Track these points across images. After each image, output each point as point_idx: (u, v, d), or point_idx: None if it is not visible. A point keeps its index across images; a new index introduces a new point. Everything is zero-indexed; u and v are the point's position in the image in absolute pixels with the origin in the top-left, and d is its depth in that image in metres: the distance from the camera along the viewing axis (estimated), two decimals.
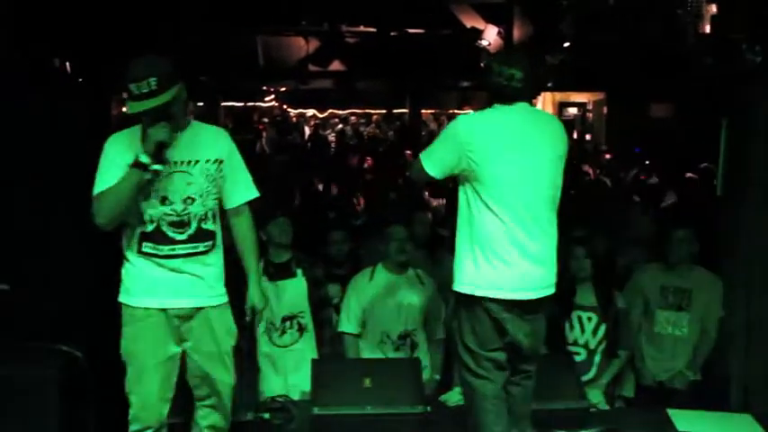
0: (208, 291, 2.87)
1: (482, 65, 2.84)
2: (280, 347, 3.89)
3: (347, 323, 3.94)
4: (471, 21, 8.42)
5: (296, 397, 3.74)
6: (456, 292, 2.88)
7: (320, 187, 8.05)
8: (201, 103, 13.57)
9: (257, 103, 17.55)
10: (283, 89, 16.28)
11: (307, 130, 17.99)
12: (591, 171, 9.72)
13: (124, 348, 2.83)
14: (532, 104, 2.95)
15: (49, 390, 3.04)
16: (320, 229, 4.48)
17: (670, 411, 3.62)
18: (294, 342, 3.90)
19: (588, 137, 15.83)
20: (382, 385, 3.46)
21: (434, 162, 2.89)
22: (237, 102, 16.25)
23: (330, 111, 18.68)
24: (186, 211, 2.77)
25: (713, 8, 6.04)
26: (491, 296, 2.78)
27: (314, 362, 3.63)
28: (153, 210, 2.76)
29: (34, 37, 4.18)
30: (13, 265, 3.57)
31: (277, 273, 3.89)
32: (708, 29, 6.02)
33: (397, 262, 3.94)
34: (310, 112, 18.74)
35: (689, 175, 7.82)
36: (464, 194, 2.86)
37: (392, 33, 9.15)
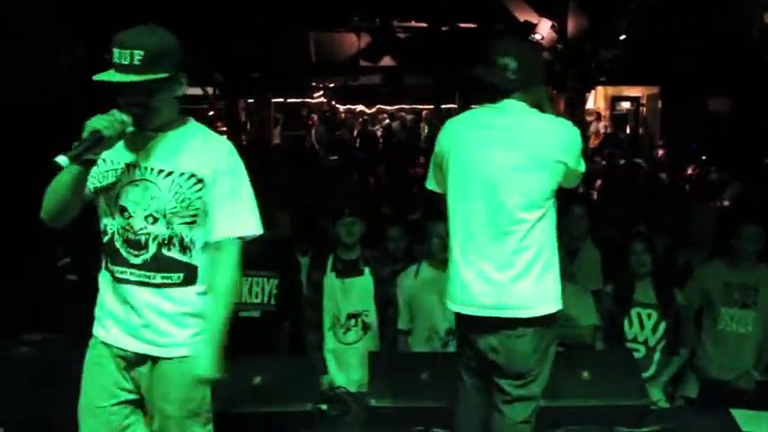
0: (159, 336, 2.26)
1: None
2: (344, 344, 3.94)
3: (399, 320, 3.98)
4: (524, 14, 8.33)
5: (354, 390, 3.78)
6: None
7: (372, 181, 8.11)
8: (252, 100, 13.82)
9: (306, 99, 17.70)
10: (332, 85, 16.40)
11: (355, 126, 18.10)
12: (645, 166, 9.56)
13: None
14: (533, 101, 2.55)
15: None
16: (375, 225, 4.49)
17: (734, 411, 3.55)
18: (358, 340, 3.94)
19: (642, 131, 15.58)
20: (439, 379, 3.47)
21: (431, 177, 2.75)
22: (287, 98, 16.40)
23: (378, 106, 18.75)
24: (145, 231, 2.23)
25: None
26: (451, 308, 2.65)
27: (371, 355, 3.67)
28: (108, 219, 2.28)
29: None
30: (84, 258, 3.66)
31: (345, 270, 3.93)
32: None
33: (440, 259, 3.93)
34: (359, 107, 18.83)
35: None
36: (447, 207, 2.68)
37: (443, 28, 9.12)
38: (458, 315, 2.65)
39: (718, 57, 8.57)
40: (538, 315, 2.51)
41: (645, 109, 15.89)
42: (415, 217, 5.25)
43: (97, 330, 2.33)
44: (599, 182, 7.89)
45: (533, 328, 2.52)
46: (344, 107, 18.81)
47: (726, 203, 6.63)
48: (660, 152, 11.58)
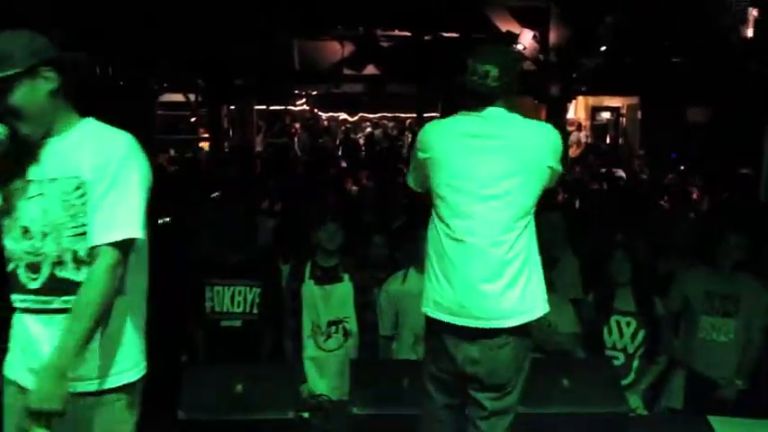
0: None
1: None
2: (325, 352, 3.94)
3: (381, 326, 3.97)
4: (506, 25, 8.40)
5: (336, 398, 3.78)
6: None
7: (354, 189, 8.11)
8: (234, 107, 13.79)
9: (289, 107, 17.69)
10: (315, 93, 16.40)
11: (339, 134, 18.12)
12: (625, 175, 9.66)
13: None
14: (513, 108, 2.57)
15: None
16: (356, 232, 4.50)
17: (711, 419, 3.58)
18: (339, 347, 3.94)
19: (622, 141, 15.74)
20: (420, 387, 3.47)
21: (411, 175, 2.76)
22: (270, 105, 16.38)
23: (361, 114, 18.78)
24: (40, 251, 2.02)
25: (755, 12, 5.98)
26: (432, 315, 2.56)
27: (353, 362, 3.66)
28: (12, 243, 2.07)
29: (87, 46, 4.29)
30: None
31: (324, 277, 3.93)
32: (750, 33, 5.95)
33: None
34: (341, 115, 18.85)
35: (744, 171, 7.71)
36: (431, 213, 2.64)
37: (426, 37, 9.17)
38: (436, 324, 2.56)
39: (696, 68, 8.68)
40: (523, 323, 2.50)
41: (625, 119, 16.05)
42: (397, 225, 5.26)
43: (4, 367, 2.15)
44: (579, 192, 7.97)
45: (514, 338, 2.50)
46: (327, 115, 18.82)
47: (704, 211, 6.71)
48: (636, 161, 11.70)
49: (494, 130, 2.50)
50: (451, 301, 2.50)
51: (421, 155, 2.60)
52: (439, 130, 2.62)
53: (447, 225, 2.51)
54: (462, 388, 2.59)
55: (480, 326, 2.47)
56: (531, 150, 2.50)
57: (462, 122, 2.56)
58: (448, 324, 2.52)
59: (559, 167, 2.57)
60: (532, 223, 2.55)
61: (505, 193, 2.46)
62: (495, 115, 2.52)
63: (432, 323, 2.60)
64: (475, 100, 2.53)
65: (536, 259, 2.56)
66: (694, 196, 7.48)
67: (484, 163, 2.47)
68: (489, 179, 2.46)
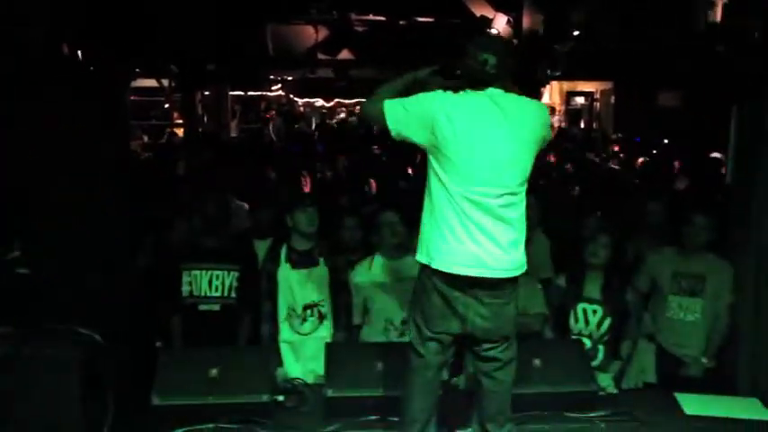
0: None
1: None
2: (301, 335, 3.95)
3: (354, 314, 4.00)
4: (481, 9, 8.40)
5: (311, 381, 3.79)
6: (419, 262, 2.89)
7: (329, 175, 8.10)
8: (208, 92, 13.65)
9: (264, 93, 17.55)
10: (290, 78, 16.28)
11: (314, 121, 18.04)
12: (598, 159, 9.74)
13: None
14: (509, 90, 2.90)
15: (72, 370, 3.09)
16: (331, 215, 4.50)
17: (678, 395, 3.66)
18: (314, 330, 3.96)
19: (595, 125, 15.85)
20: (393, 369, 3.50)
21: (398, 119, 2.85)
22: (246, 91, 16.24)
23: (337, 100, 18.69)
24: None
25: None
26: (443, 270, 2.78)
27: (328, 345, 3.67)
28: None
29: (62, 38, 4.26)
30: (36, 252, 3.62)
31: (300, 261, 3.94)
32: (719, 17, 6.02)
33: (390, 245, 3.94)
34: (317, 101, 18.75)
35: (714, 155, 7.81)
36: (430, 168, 2.86)
37: (401, 22, 9.14)
38: (444, 281, 2.79)
39: (667, 52, 8.75)
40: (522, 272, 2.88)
41: (599, 104, 16.16)
42: (369, 209, 5.26)
43: None
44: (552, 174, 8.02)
45: (515, 293, 2.89)
46: (303, 101, 18.72)
47: (676, 194, 6.79)
48: (615, 147, 11.78)
49: (499, 108, 2.80)
50: (466, 254, 2.77)
51: (428, 115, 2.80)
52: (447, 100, 2.83)
53: (449, 188, 2.77)
54: (466, 345, 2.92)
55: (495, 276, 2.78)
56: (533, 124, 2.86)
57: (470, 99, 2.83)
58: (463, 278, 2.77)
59: (549, 134, 2.99)
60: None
61: (516, 163, 2.81)
62: (498, 95, 2.83)
63: (430, 279, 2.83)
64: (473, 84, 2.83)
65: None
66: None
67: (496, 136, 2.78)
68: (502, 151, 2.78)
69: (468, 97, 2.83)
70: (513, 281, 2.86)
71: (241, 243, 4.27)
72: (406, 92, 2.93)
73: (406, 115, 2.84)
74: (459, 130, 2.77)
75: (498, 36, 3.09)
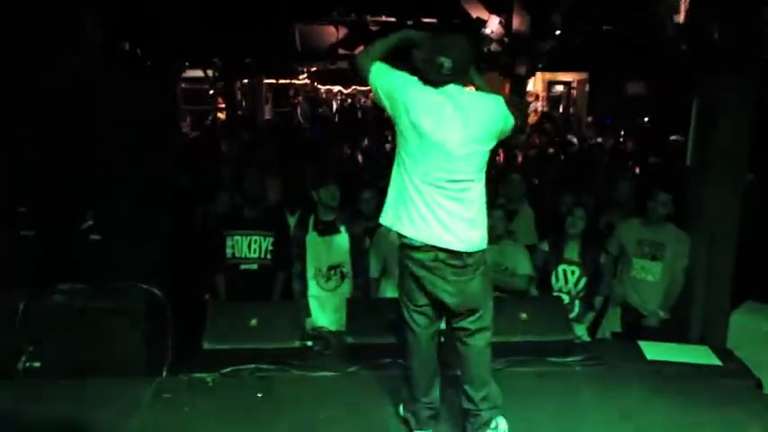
0: None
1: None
2: (326, 291, 3.95)
3: (371, 269, 3.99)
4: (476, 11, 8.24)
5: (334, 329, 3.80)
6: (381, 224, 2.65)
7: (348, 152, 8.04)
8: (246, 81, 13.54)
9: (293, 81, 17.36)
10: (314, 69, 16.09)
11: (334, 104, 17.86)
12: (576, 140, 9.61)
13: None
14: (466, 85, 2.58)
15: (138, 319, 3.14)
16: (352, 189, 4.46)
17: (641, 343, 3.65)
18: (337, 287, 3.95)
19: (572, 110, 15.65)
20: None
21: (377, 81, 2.57)
22: (277, 79, 16.08)
23: (354, 87, 18.46)
24: None
25: (687, 1, 5.88)
26: (407, 240, 2.53)
27: (348, 300, 3.68)
28: None
29: (124, 35, 4.20)
30: (105, 221, 3.62)
31: (325, 229, 3.92)
32: (682, 19, 5.86)
33: None
34: (337, 88, 18.54)
35: (673, 138, 7.68)
36: (397, 139, 2.60)
37: (409, 22, 8.99)
38: (415, 258, 2.54)
39: (635, 49, 8.59)
40: (481, 249, 2.57)
41: (576, 91, 15.93)
42: (382, 184, 5.21)
43: None
44: (533, 152, 7.94)
45: (480, 270, 2.57)
46: (325, 87, 18.50)
47: (640, 172, 6.71)
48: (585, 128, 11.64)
49: (454, 105, 2.50)
50: (425, 228, 2.51)
51: (397, 86, 2.53)
52: (412, 85, 2.54)
53: (419, 169, 2.50)
54: (442, 315, 2.66)
55: (456, 249, 2.49)
56: (485, 120, 2.54)
57: (430, 93, 2.52)
58: (426, 254, 2.51)
59: (508, 125, 2.60)
60: (484, 175, 2.60)
61: (470, 156, 2.51)
62: (456, 91, 2.53)
63: (408, 263, 2.58)
64: (429, 83, 2.52)
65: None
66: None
67: (452, 128, 2.49)
68: (458, 142, 2.49)
69: (428, 91, 2.52)
70: (472, 257, 2.54)
71: (275, 213, 4.26)
72: (395, 50, 2.64)
73: (383, 82, 2.56)
74: (415, 121, 2.49)
75: (458, 37, 2.51)
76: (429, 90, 2.52)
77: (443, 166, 2.49)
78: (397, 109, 2.53)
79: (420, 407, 2.76)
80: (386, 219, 2.62)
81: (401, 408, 2.87)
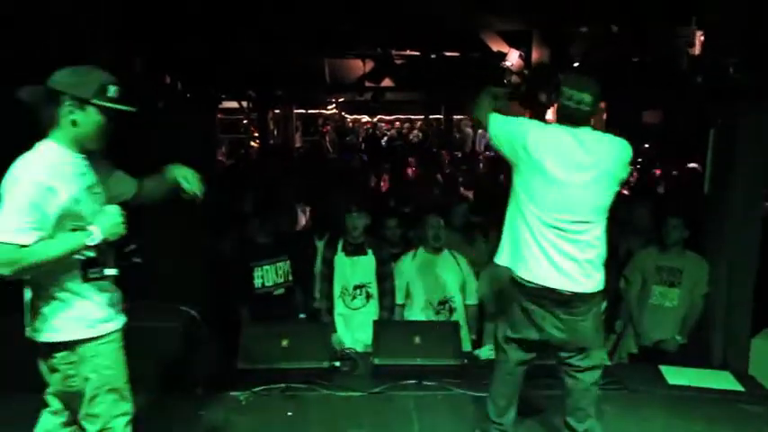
0: None
1: (557, 86, 2.54)
2: (351, 309, 3.96)
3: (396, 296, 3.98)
4: (497, 45, 8.28)
5: (360, 350, 3.80)
6: (511, 277, 2.59)
7: (375, 180, 8.07)
8: (278, 111, 13.77)
9: (321, 111, 17.60)
10: (342, 99, 16.30)
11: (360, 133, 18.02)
12: None
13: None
14: (593, 126, 2.57)
15: (175, 338, 3.19)
16: (378, 216, 4.48)
17: (662, 367, 3.59)
18: (362, 306, 3.95)
19: None
20: (429, 342, 3.49)
21: (498, 126, 2.60)
22: (307, 109, 16.33)
23: (379, 117, 18.64)
24: None
25: (701, 35, 5.85)
26: (521, 276, 2.52)
27: (375, 322, 3.68)
28: None
29: (161, 67, 4.29)
30: (146, 245, 3.68)
31: (353, 251, 3.95)
32: (698, 51, 5.83)
33: (433, 247, 3.96)
34: (363, 117, 18.73)
35: (691, 165, 7.56)
36: (514, 181, 2.59)
37: (432, 56, 9.09)
38: (526, 290, 2.52)
39: (651, 79, 8.55)
40: (596, 292, 2.51)
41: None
42: (408, 210, 5.23)
43: None
44: None
45: (592, 309, 2.53)
46: (352, 117, 18.71)
47: (658, 200, 6.60)
48: None
49: (585, 146, 2.49)
50: (541, 269, 2.48)
51: (525, 136, 2.52)
52: (547, 131, 2.54)
53: (536, 209, 2.49)
54: (544, 349, 2.63)
55: (567, 290, 2.46)
56: (614, 164, 2.51)
57: (563, 133, 2.51)
58: (539, 292, 2.49)
59: (627, 173, 2.61)
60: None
61: (588, 196, 2.47)
62: (589, 133, 2.52)
63: (519, 295, 2.57)
64: (568, 121, 2.51)
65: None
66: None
67: (579, 169, 2.47)
68: (583, 182, 2.46)
69: (555, 132, 2.52)
70: (587, 298, 2.50)
71: (292, 239, 4.38)
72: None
73: (499, 130, 2.61)
74: (538, 160, 2.47)
75: (590, 78, 2.52)
76: (556, 130, 2.52)
77: (566, 207, 2.46)
78: (516, 152, 2.53)
79: (492, 427, 2.75)
80: (502, 259, 2.60)
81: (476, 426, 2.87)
